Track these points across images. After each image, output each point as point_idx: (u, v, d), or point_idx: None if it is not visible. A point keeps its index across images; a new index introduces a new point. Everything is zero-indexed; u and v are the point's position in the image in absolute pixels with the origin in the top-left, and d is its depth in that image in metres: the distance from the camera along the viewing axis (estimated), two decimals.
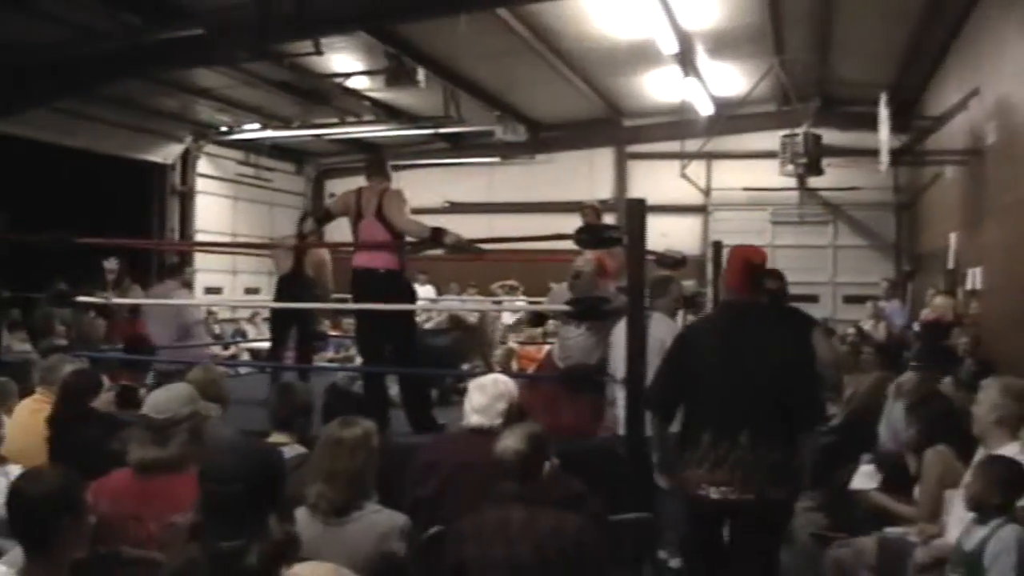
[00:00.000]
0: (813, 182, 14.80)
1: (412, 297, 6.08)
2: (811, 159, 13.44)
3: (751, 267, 3.96)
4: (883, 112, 10.95)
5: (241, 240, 15.49)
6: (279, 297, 7.56)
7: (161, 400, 3.32)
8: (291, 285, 7.45)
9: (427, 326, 8.24)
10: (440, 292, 13.80)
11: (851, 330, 11.30)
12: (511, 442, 3.17)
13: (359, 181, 6.36)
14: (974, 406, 4.20)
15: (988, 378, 4.44)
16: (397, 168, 17.24)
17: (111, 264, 7.86)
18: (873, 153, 11.34)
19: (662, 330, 5.03)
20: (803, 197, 15.25)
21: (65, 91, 10.68)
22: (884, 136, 10.94)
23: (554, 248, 6.47)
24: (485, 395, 3.75)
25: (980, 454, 4.10)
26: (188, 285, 10.13)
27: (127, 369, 7.36)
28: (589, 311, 5.31)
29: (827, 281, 15.34)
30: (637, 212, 4.83)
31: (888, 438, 5.81)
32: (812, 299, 15.14)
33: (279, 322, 7.72)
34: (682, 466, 3.80)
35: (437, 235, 5.56)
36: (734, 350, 3.80)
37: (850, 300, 14.98)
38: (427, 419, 5.59)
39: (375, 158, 6.43)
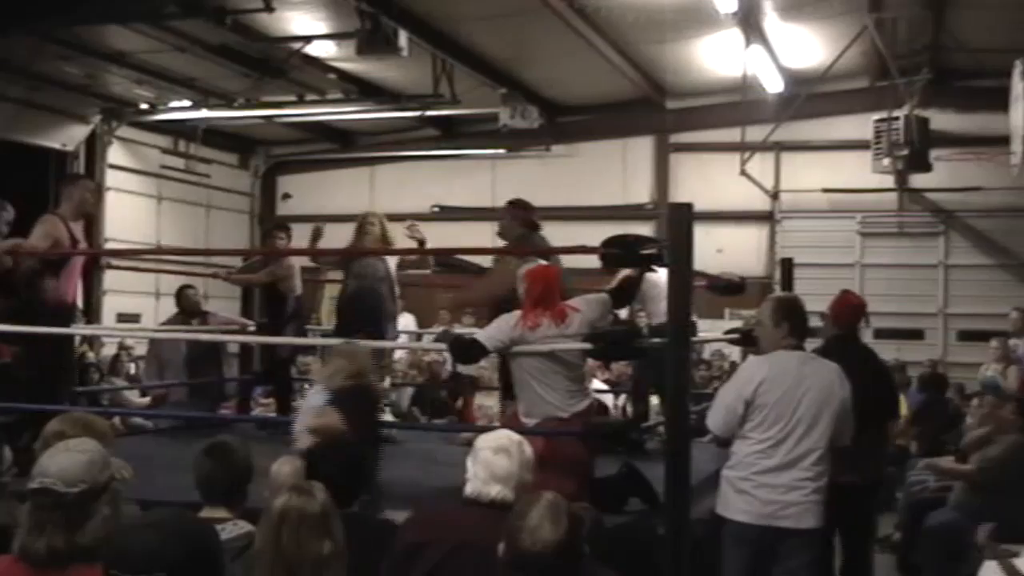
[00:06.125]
0: (917, 181, 14.82)
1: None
2: (915, 151, 13.46)
3: None
4: (1018, 86, 10.87)
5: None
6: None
7: (67, 465, 3.11)
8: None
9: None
10: (423, 324, 13.83)
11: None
12: (548, 532, 3.13)
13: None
14: None
15: None
16: (373, 162, 17.81)
17: None
18: (1001, 142, 11.33)
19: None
20: (904, 201, 15.30)
21: None
22: (1019, 119, 10.88)
23: (577, 266, 6.53)
24: (511, 460, 3.78)
25: None
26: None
27: None
28: (616, 348, 5.36)
29: (935, 312, 15.35)
30: (682, 220, 4.88)
31: None
32: (915, 335, 15.16)
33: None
34: None
35: None
36: None
37: (967, 337, 15.00)
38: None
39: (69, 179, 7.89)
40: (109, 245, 15.13)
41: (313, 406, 5.38)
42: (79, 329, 8.34)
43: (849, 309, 6.41)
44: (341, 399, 5.18)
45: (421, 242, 8.13)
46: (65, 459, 3.14)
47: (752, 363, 5.54)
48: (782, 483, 4.89)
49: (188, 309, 10.62)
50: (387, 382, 9.03)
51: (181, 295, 10.68)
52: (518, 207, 7.12)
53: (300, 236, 17.03)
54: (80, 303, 8.61)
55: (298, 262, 9.59)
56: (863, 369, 5.72)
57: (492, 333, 5.81)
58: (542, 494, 3.29)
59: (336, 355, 5.71)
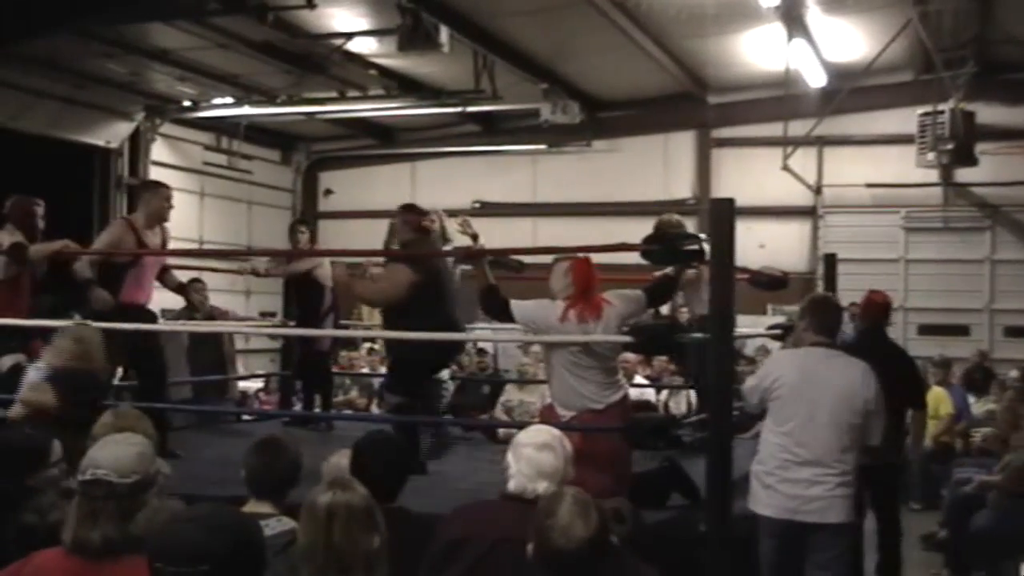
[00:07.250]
0: (962, 175, 14.69)
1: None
2: (961, 145, 13.35)
3: None
4: None
5: (209, 248, 15.70)
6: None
7: (120, 457, 3.20)
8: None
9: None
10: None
11: (1014, 373, 11.20)
12: (580, 529, 3.13)
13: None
14: None
15: None
16: (414, 158, 17.87)
17: None
18: None
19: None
20: (949, 196, 15.16)
21: None
22: None
23: (618, 262, 6.53)
24: (556, 456, 3.79)
25: None
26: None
27: None
28: (655, 342, 5.34)
29: (982, 308, 15.21)
30: (724, 215, 4.87)
31: None
32: (960, 331, 15.03)
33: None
34: None
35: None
36: None
37: (1013, 333, 14.88)
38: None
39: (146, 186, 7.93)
40: None
41: (31, 380, 5.50)
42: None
43: (873, 307, 6.97)
44: (59, 378, 5.29)
45: (474, 237, 8.09)
46: (117, 451, 3.22)
47: (776, 356, 5.57)
48: (804, 478, 4.94)
49: (192, 304, 10.62)
50: (446, 375, 9.02)
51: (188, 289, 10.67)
52: (409, 212, 7.26)
53: (340, 232, 17.20)
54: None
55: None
56: (883, 359, 5.78)
57: (528, 308, 5.78)
58: (565, 490, 3.30)
59: (65, 336, 5.78)
